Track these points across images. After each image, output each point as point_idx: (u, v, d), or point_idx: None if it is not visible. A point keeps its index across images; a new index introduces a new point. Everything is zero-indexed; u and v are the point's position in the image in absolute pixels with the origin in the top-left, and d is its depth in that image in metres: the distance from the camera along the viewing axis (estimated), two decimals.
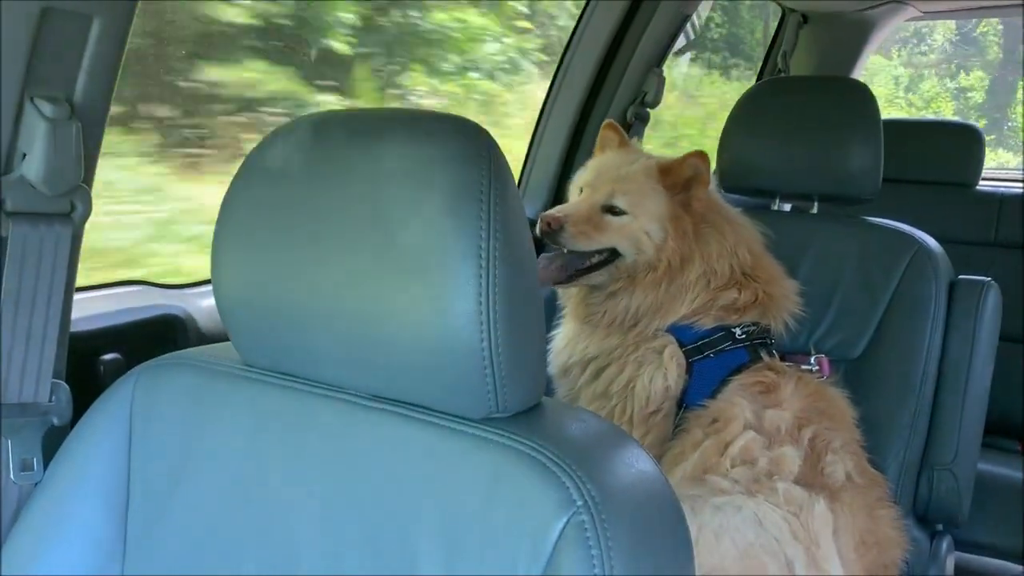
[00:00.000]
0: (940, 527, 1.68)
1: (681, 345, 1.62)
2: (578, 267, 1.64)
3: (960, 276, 1.72)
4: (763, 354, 1.60)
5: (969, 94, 8.42)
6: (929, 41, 8.74)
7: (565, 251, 1.63)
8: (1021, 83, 7.96)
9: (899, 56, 8.67)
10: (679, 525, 0.79)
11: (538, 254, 1.72)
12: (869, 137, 1.82)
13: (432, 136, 0.77)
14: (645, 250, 1.60)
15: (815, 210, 1.94)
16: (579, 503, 0.69)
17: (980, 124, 2.79)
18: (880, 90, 8.06)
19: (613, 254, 1.63)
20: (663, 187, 1.61)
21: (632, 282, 1.61)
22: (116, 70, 1.06)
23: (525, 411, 0.78)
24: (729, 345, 1.61)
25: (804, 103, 1.91)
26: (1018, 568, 2.07)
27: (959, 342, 1.65)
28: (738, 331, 1.62)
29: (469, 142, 0.77)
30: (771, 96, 1.99)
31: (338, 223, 0.78)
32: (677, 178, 1.61)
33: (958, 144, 2.86)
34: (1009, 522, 2.03)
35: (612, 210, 1.61)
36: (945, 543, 1.65)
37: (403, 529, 0.77)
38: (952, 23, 8.24)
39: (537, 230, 1.60)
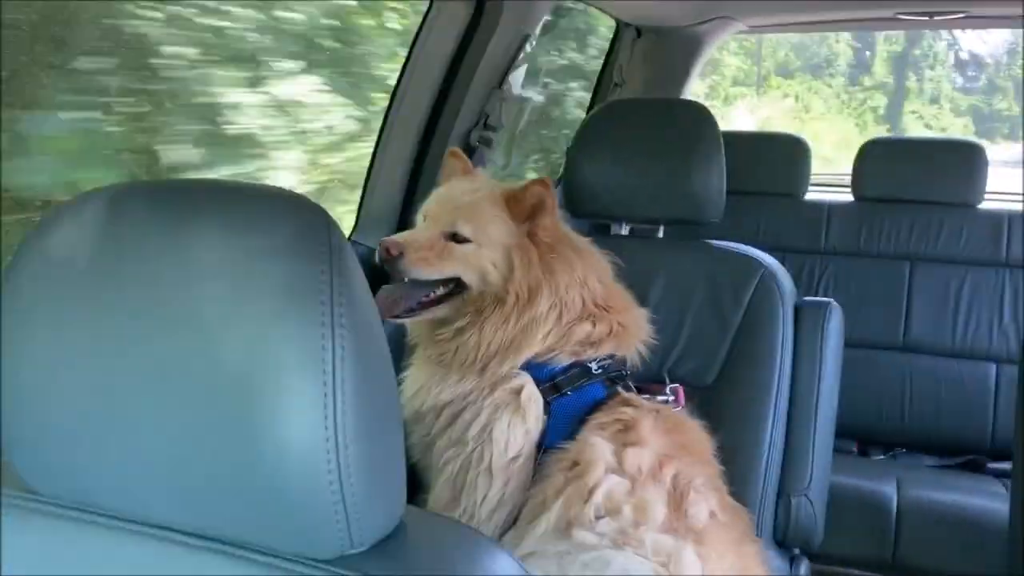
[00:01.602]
0: (797, 551, 1.70)
1: (538, 383, 1.56)
2: (421, 299, 1.56)
3: (804, 298, 1.75)
4: (620, 388, 1.57)
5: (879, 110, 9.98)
6: (836, 65, 10.37)
7: (407, 282, 1.55)
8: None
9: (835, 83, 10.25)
10: None
11: (379, 285, 1.65)
12: (712, 159, 1.82)
13: (255, 220, 0.65)
14: (491, 281, 1.53)
15: (661, 234, 1.93)
16: None
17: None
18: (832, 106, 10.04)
19: (459, 285, 1.56)
20: (508, 216, 1.55)
21: (480, 315, 1.54)
22: None
23: (385, 537, 0.67)
24: (586, 381, 1.57)
25: (647, 126, 1.90)
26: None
27: (807, 365, 1.67)
28: (594, 366, 1.58)
29: (303, 227, 0.65)
30: (614, 120, 1.96)
31: (143, 330, 0.64)
32: (522, 207, 1.55)
33: (787, 156, 2.98)
34: (849, 530, 2.10)
35: (455, 238, 1.54)
36: (803, 567, 1.67)
37: None
38: (850, 51, 9.88)
39: (376, 257, 1.52)
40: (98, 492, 0.70)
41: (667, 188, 1.83)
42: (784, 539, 1.65)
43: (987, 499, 2.18)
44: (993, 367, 2.59)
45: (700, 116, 1.87)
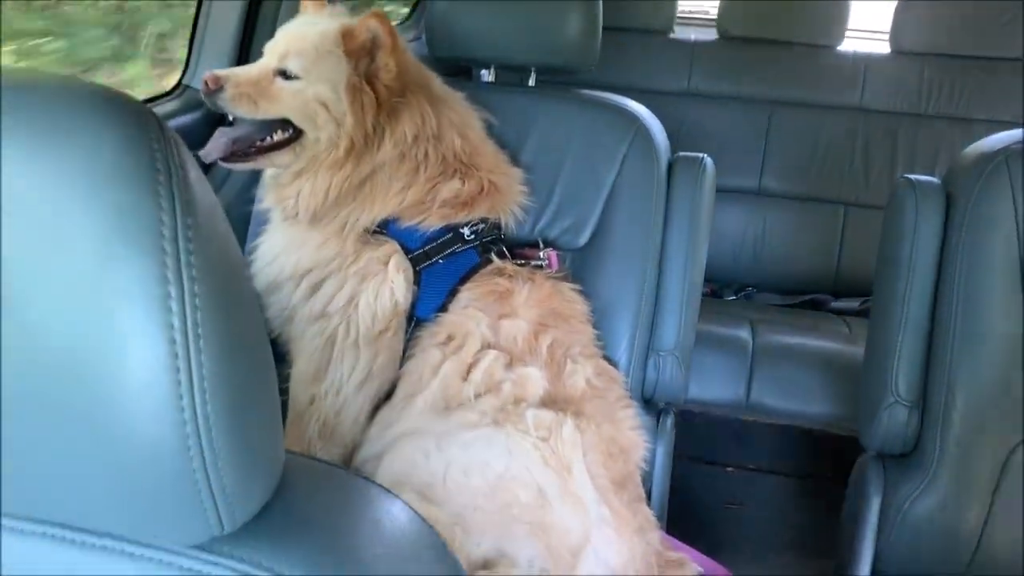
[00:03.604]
0: (663, 405, 1.73)
1: (407, 252, 1.46)
2: (257, 143, 1.45)
3: (678, 153, 1.69)
4: (494, 255, 1.49)
5: None
6: None
7: (245, 124, 1.45)
8: None
9: None
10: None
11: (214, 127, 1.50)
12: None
13: (62, 135, 0.48)
14: (321, 124, 1.42)
15: (532, 82, 1.80)
16: None
17: None
18: None
19: (297, 132, 1.44)
20: (345, 53, 1.41)
21: (316, 162, 1.44)
22: None
23: (261, 509, 0.58)
24: (458, 247, 1.48)
25: None
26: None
27: (680, 222, 1.63)
28: (467, 231, 1.49)
29: (128, 140, 0.49)
30: None
31: None
32: (356, 43, 1.41)
33: None
34: (708, 374, 2.18)
35: (285, 75, 1.41)
36: (670, 420, 1.71)
37: None
38: None
39: (201, 92, 1.41)
40: None
41: (540, 31, 1.68)
42: (652, 396, 1.67)
43: (833, 340, 2.31)
44: (841, 209, 2.69)
45: None
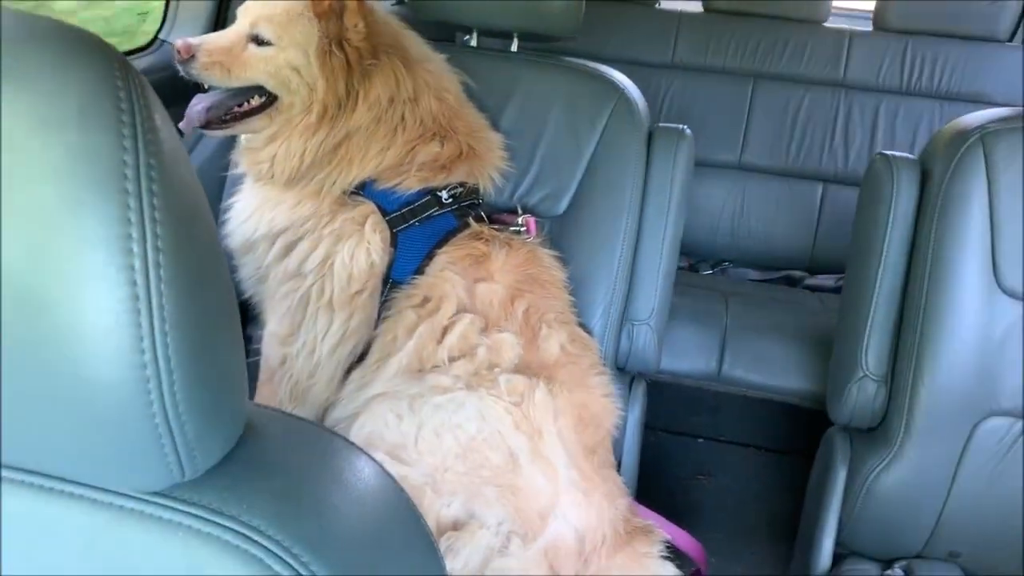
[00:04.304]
0: (635, 373, 1.74)
1: (384, 213, 1.45)
2: (233, 110, 1.44)
3: (658, 124, 1.69)
4: (471, 220, 1.49)
5: None
6: None
7: (223, 90, 1.43)
8: None
9: None
10: (417, 536, 0.66)
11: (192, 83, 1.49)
12: None
13: (25, 76, 0.47)
14: (295, 89, 1.41)
15: (515, 47, 1.78)
16: None
17: None
18: None
19: (272, 97, 1.43)
20: (315, 15, 1.40)
21: (289, 126, 1.43)
22: None
23: (224, 457, 0.57)
24: (436, 211, 1.47)
25: None
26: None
27: (657, 193, 1.63)
28: (444, 194, 1.48)
29: (92, 84, 0.48)
30: None
31: None
32: (323, 5, 1.39)
33: None
34: (681, 345, 2.19)
35: (257, 40, 1.40)
36: (642, 389, 1.72)
37: None
38: None
39: (175, 59, 1.39)
40: None
41: None
42: (625, 365, 1.68)
43: (806, 316, 2.32)
44: (820, 186, 2.70)
45: None
